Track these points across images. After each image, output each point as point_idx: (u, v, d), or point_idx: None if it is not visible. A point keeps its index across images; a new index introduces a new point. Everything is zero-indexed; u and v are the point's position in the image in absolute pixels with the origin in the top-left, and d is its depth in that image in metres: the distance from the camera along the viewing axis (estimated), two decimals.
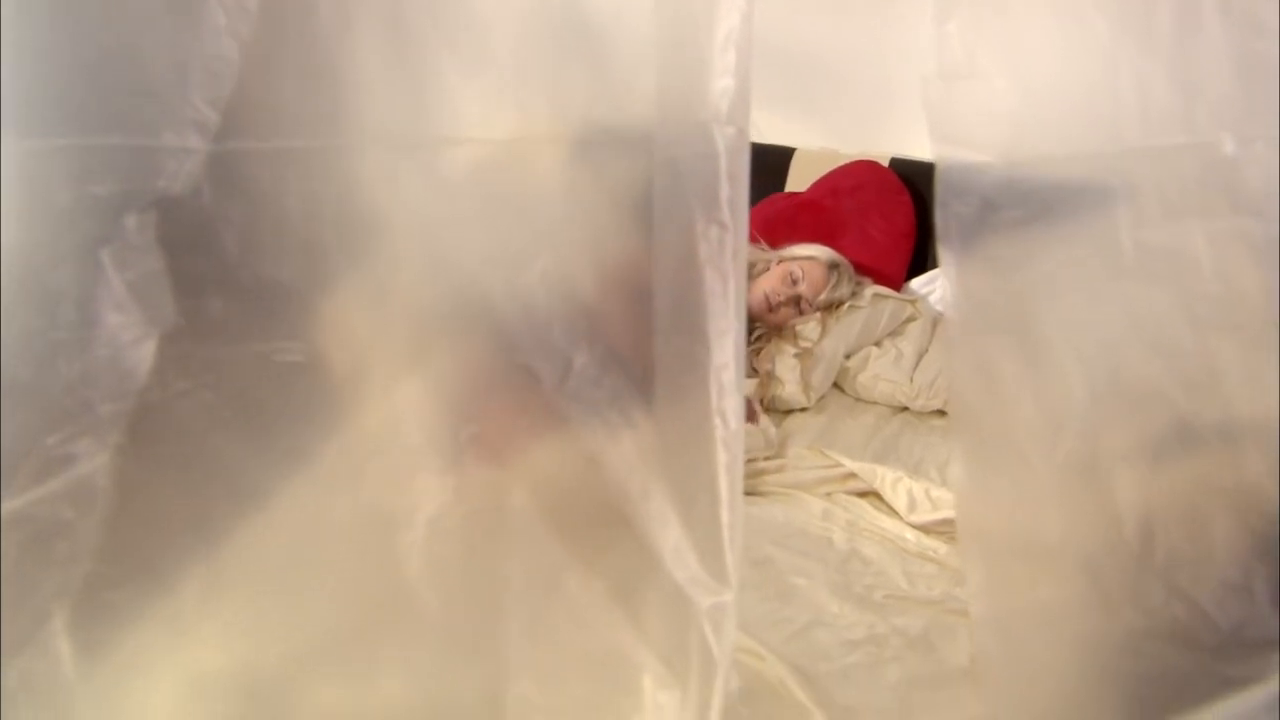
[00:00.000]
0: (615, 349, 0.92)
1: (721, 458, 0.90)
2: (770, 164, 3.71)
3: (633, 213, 0.95)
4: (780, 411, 3.04)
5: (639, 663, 0.94)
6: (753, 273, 3.24)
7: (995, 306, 0.98)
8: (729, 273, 0.90)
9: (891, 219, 3.29)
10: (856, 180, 3.41)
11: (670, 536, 0.91)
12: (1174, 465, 0.98)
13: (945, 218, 0.95)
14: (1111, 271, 0.97)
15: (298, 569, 0.89)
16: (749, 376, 3.03)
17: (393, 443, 0.88)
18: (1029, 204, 0.98)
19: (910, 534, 2.18)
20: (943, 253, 0.95)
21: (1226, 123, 0.93)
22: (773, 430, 2.78)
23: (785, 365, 3.01)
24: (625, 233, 0.95)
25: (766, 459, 2.68)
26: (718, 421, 0.90)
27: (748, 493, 2.54)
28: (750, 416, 2.73)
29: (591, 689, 0.96)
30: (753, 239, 3.41)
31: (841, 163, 3.57)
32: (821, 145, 3.70)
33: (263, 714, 0.90)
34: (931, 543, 2.14)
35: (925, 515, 2.20)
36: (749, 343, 3.12)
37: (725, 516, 0.90)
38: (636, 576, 0.93)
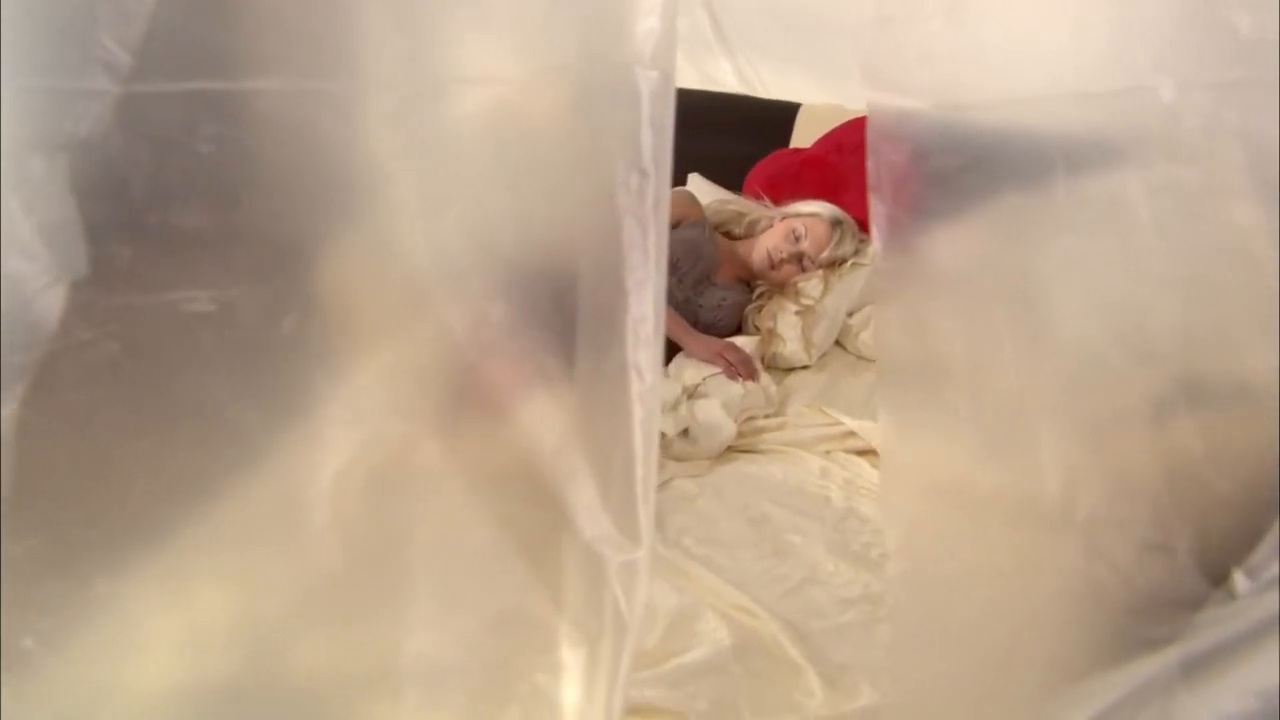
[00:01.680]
0: (534, 300, 0.89)
1: (636, 413, 0.87)
2: (775, 120, 3.67)
3: (554, 159, 0.92)
4: (781, 369, 3.03)
5: (547, 621, 0.92)
6: (756, 230, 3.22)
7: (926, 258, 0.95)
8: (649, 222, 0.87)
9: None
10: (862, 137, 3.33)
11: (582, 493, 0.89)
12: (1098, 423, 0.95)
13: (876, 165, 0.92)
14: (1047, 222, 0.94)
15: (201, 524, 0.87)
16: (750, 334, 3.00)
17: (299, 394, 0.86)
18: (963, 151, 0.95)
19: None
20: (873, 202, 0.92)
21: (1166, 68, 0.89)
22: (773, 388, 2.78)
23: (787, 323, 2.99)
24: (546, 180, 0.91)
25: (766, 417, 2.68)
26: (634, 375, 0.87)
27: (747, 450, 2.53)
28: (751, 374, 2.70)
29: (496, 647, 0.94)
30: (756, 195, 3.38)
31: (847, 119, 3.51)
32: (826, 101, 3.64)
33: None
34: None
35: None
36: (751, 299, 3.09)
37: (639, 473, 0.87)
38: (548, 534, 0.91)
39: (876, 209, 0.90)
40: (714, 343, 2.89)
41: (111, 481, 0.83)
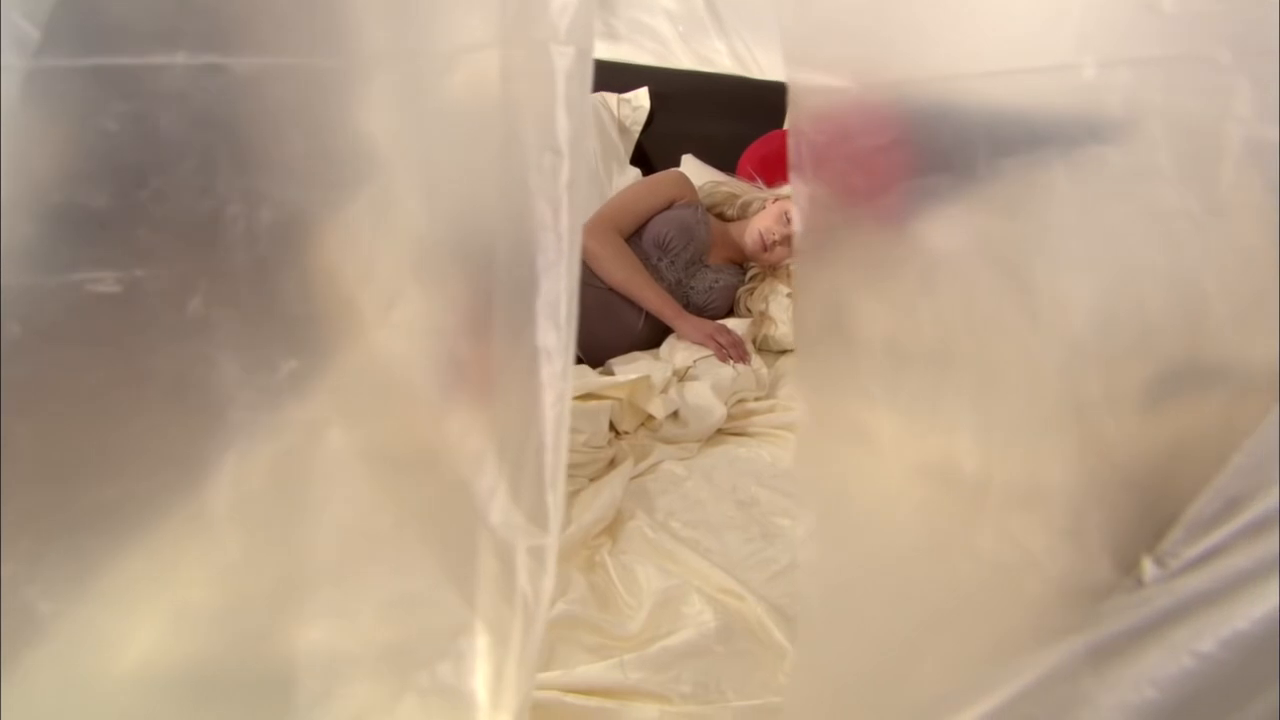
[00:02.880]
0: (447, 282, 0.88)
1: (547, 397, 0.86)
2: (769, 101, 3.65)
3: (470, 139, 0.91)
4: (773, 352, 3.02)
5: (450, 609, 0.91)
6: (749, 211, 3.21)
7: (844, 237, 0.93)
8: (561, 203, 0.86)
9: None
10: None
11: (489, 477, 0.88)
12: (1011, 407, 0.94)
13: (798, 144, 0.90)
14: (966, 201, 0.92)
15: (99, 509, 0.86)
16: (742, 316, 2.99)
17: (204, 378, 0.84)
18: (886, 130, 0.92)
19: None
20: (794, 181, 0.90)
21: (1089, 46, 0.87)
22: (764, 371, 2.77)
23: (779, 305, 2.98)
24: (462, 161, 0.90)
25: (757, 399, 2.67)
26: (544, 359, 0.86)
27: (737, 433, 2.53)
28: (742, 357, 2.69)
29: (395, 636, 0.93)
30: (749, 177, 3.37)
31: None
32: None
33: None
34: None
35: None
36: (743, 281, 3.08)
37: (549, 459, 0.86)
38: (454, 521, 0.90)
39: (798, 188, 0.89)
40: (705, 325, 2.88)
41: (10, 465, 0.82)
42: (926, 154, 0.93)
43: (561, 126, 0.88)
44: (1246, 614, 0.77)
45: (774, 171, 3.37)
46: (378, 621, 0.93)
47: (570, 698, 1.65)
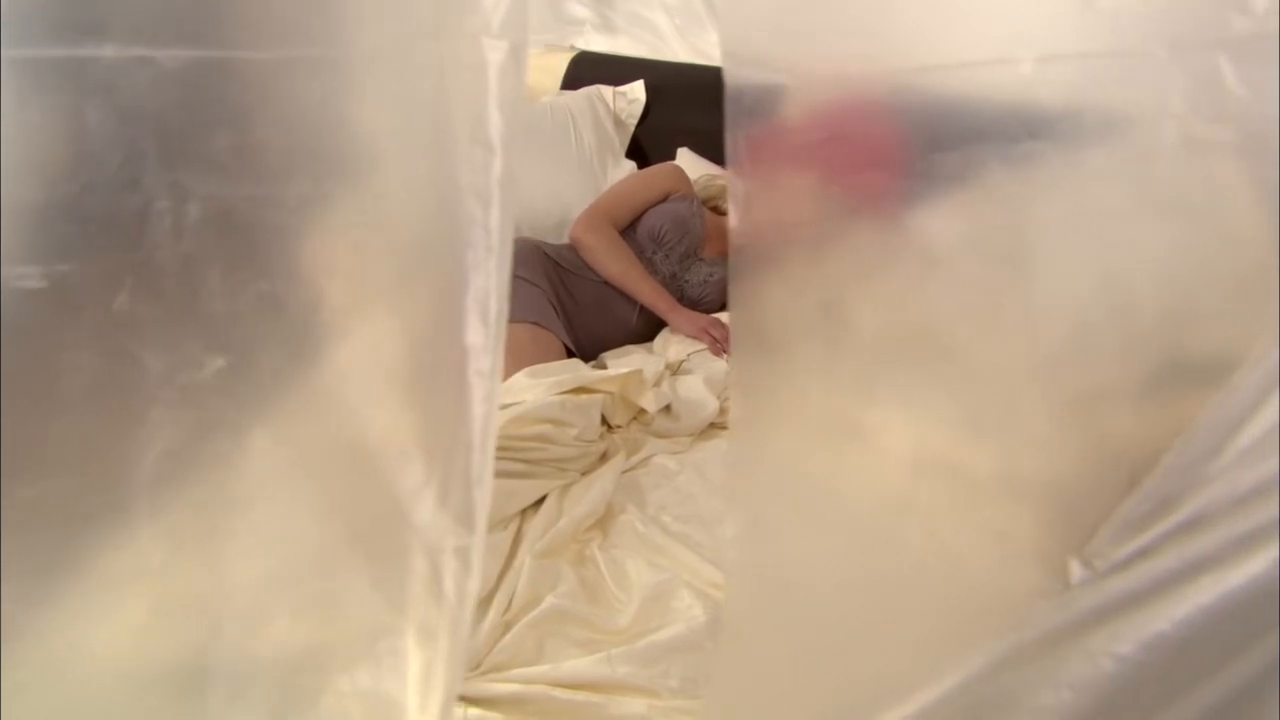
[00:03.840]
0: (373, 278, 0.87)
1: (474, 396, 0.85)
2: None
3: (401, 134, 0.90)
4: None
5: (372, 612, 0.90)
6: None
7: (781, 235, 0.92)
8: (492, 199, 0.85)
9: None
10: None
11: (417, 477, 0.87)
12: (941, 409, 0.93)
13: (735, 141, 0.89)
14: (904, 197, 0.91)
15: (21, 508, 0.85)
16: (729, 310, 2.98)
17: (127, 374, 0.84)
18: (825, 126, 0.91)
19: None
20: (731, 177, 0.89)
21: (1024, 40, 0.86)
22: None
23: None
24: (393, 155, 0.89)
25: None
26: (472, 357, 0.85)
27: (725, 426, 2.51)
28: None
29: (313, 639, 0.92)
30: None
31: None
32: None
33: None
34: None
35: None
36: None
37: (475, 458, 0.85)
38: (380, 519, 0.89)
39: (734, 184, 0.88)
40: (699, 318, 2.88)
41: None
42: (861, 150, 0.92)
43: (493, 122, 0.87)
44: (1169, 615, 0.76)
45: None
46: (296, 623, 0.92)
47: (557, 692, 1.66)
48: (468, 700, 1.63)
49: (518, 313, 2.74)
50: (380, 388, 0.90)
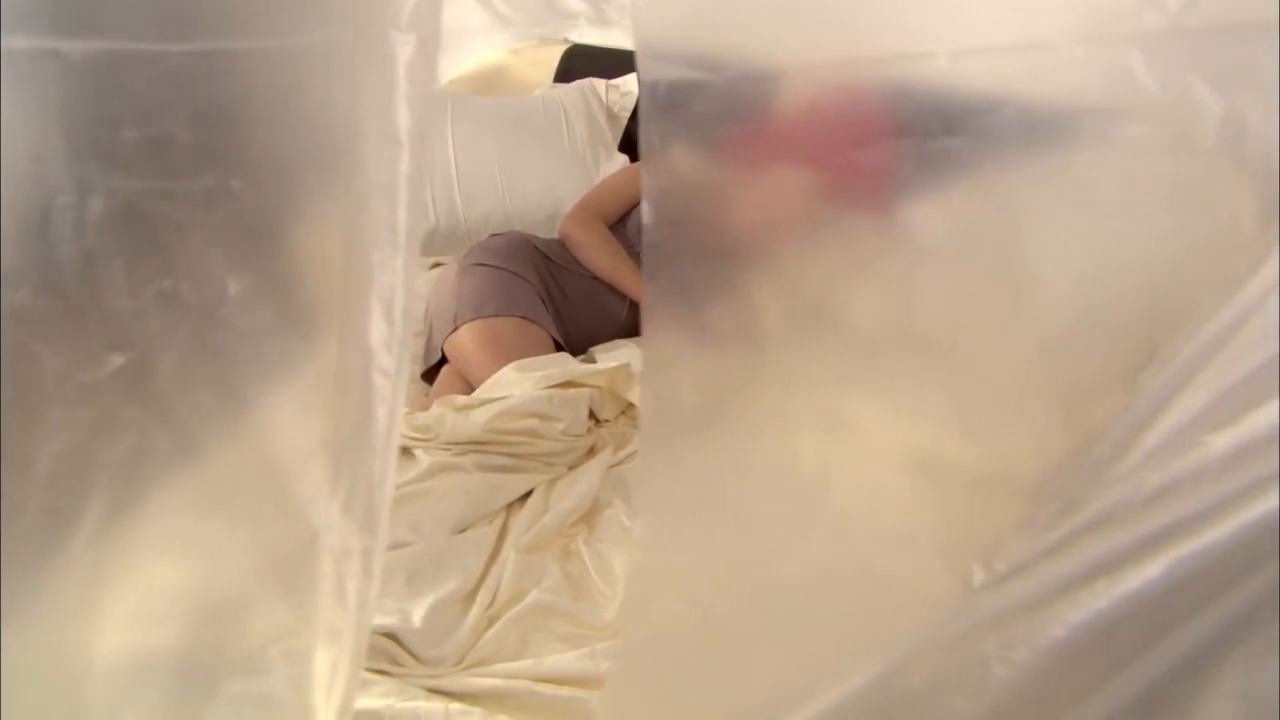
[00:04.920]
0: (280, 275, 0.86)
1: (377, 395, 0.84)
2: None
3: (313, 130, 0.89)
4: None
5: (272, 612, 0.89)
6: None
7: (697, 232, 0.91)
8: (399, 196, 0.84)
9: None
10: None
11: (317, 478, 0.86)
12: (848, 408, 0.91)
13: (649, 137, 0.88)
14: (819, 194, 0.89)
15: None
16: None
17: (25, 370, 0.83)
18: (745, 121, 0.90)
19: None
20: (644, 174, 0.88)
21: (939, 34, 0.84)
22: None
23: None
24: (302, 148, 0.88)
25: None
26: (376, 356, 0.84)
27: None
28: None
29: (203, 643, 0.91)
30: None
31: None
32: None
33: None
34: None
35: None
36: None
37: (378, 459, 0.84)
38: (281, 521, 0.88)
39: (648, 182, 0.86)
40: None
41: None
42: (780, 146, 0.91)
43: (401, 118, 0.86)
44: (1064, 619, 0.75)
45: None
46: (186, 628, 0.91)
47: (541, 687, 1.66)
48: (450, 695, 1.63)
49: (507, 306, 2.75)
50: (284, 387, 0.88)
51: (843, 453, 0.94)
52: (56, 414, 0.84)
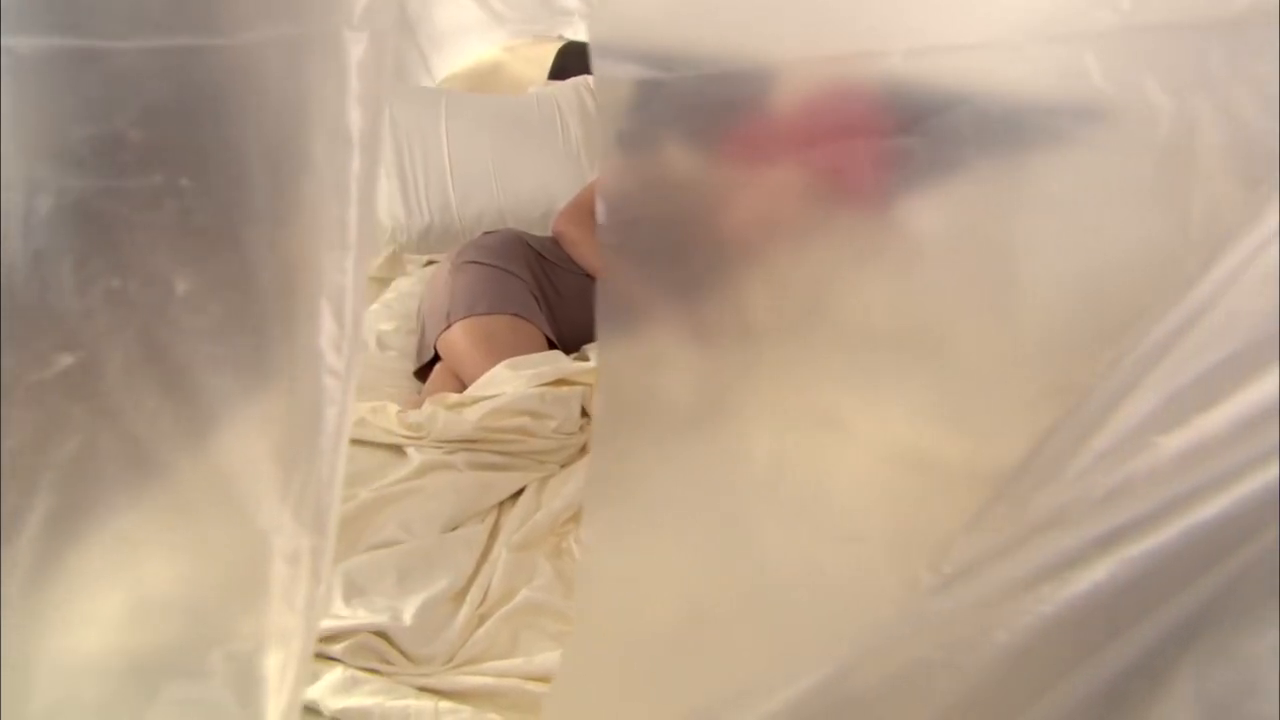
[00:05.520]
0: (229, 275, 0.86)
1: (327, 395, 0.84)
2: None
3: (264, 130, 0.88)
4: None
5: (208, 616, 0.88)
6: None
7: (653, 233, 0.90)
8: (349, 195, 0.83)
9: None
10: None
11: (264, 480, 0.85)
12: (798, 407, 0.91)
13: (605, 137, 0.87)
14: (776, 193, 0.89)
15: None
16: None
17: None
18: (701, 120, 0.89)
19: None
20: (602, 177, 0.87)
21: (894, 32, 0.84)
22: None
23: None
24: (255, 147, 0.87)
25: None
26: (325, 355, 0.83)
27: None
28: None
29: (142, 645, 0.90)
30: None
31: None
32: None
33: None
34: None
35: None
36: None
37: (326, 458, 0.83)
38: (229, 521, 0.87)
39: (604, 182, 0.86)
40: None
41: None
42: (745, 143, 0.90)
43: (353, 117, 0.85)
44: (1009, 624, 0.74)
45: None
46: (129, 630, 0.90)
47: (530, 685, 1.67)
48: (440, 693, 1.63)
49: (500, 304, 2.74)
50: (234, 387, 0.88)
51: (795, 450, 0.93)
52: (4, 414, 0.83)
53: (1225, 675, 0.76)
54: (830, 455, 0.92)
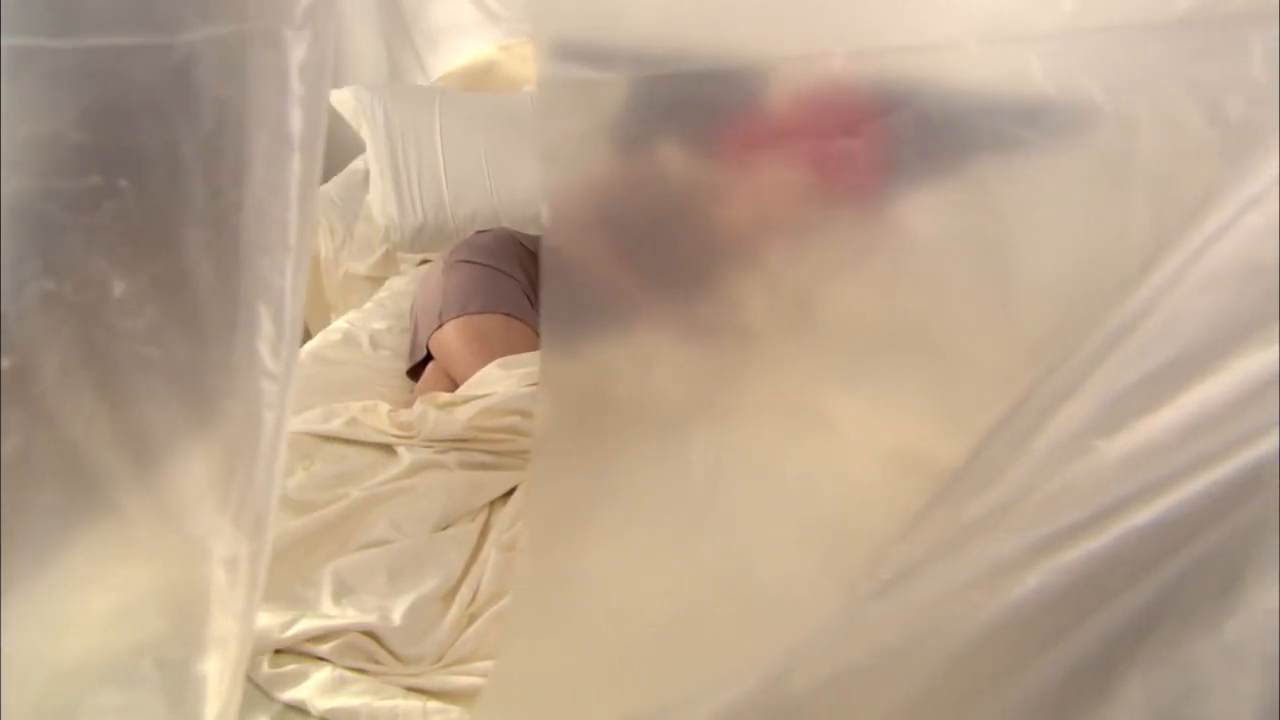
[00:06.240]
0: (167, 277, 0.85)
1: (263, 399, 0.83)
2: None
3: (206, 131, 0.87)
4: None
5: (151, 620, 0.88)
6: None
7: (599, 235, 0.89)
8: (291, 197, 0.82)
9: None
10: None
11: (201, 485, 0.84)
12: (737, 413, 0.90)
13: (549, 138, 0.86)
14: (724, 194, 0.88)
15: None
16: None
17: None
18: (645, 121, 0.88)
19: None
20: (546, 179, 0.86)
21: (837, 34, 0.83)
22: None
23: None
24: (198, 149, 0.86)
25: None
26: (263, 357, 0.83)
27: None
28: None
29: (74, 653, 0.89)
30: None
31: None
32: None
33: None
34: None
35: None
36: None
37: (262, 463, 0.82)
38: (158, 526, 0.86)
39: (548, 183, 0.85)
40: None
41: None
42: (690, 144, 0.89)
43: (293, 119, 0.84)
44: (942, 630, 0.73)
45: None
46: (52, 636, 0.89)
47: None
48: (428, 693, 1.62)
49: (492, 303, 2.74)
50: (171, 390, 0.87)
51: (733, 457, 0.92)
52: None
53: (1171, 680, 0.75)
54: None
